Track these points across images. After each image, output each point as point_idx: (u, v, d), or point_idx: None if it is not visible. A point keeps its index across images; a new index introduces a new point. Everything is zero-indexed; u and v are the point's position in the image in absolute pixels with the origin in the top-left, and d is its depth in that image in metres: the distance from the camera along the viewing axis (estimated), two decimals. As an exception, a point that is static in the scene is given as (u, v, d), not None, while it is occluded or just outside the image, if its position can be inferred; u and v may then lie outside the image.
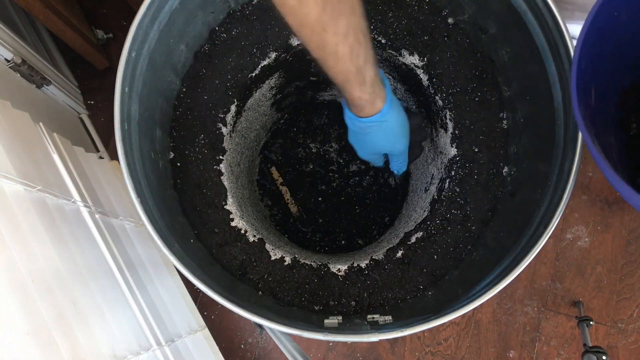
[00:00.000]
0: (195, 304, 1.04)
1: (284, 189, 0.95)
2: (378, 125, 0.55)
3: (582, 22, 0.62)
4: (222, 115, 0.66)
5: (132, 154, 0.54)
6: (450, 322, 1.15)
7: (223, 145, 0.67)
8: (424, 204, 0.74)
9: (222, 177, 0.65)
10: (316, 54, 0.46)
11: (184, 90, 0.66)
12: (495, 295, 0.52)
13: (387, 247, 0.67)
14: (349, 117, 0.56)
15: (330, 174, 0.96)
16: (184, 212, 0.63)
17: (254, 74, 0.68)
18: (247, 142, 0.82)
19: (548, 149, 0.55)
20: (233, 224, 0.64)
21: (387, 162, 0.66)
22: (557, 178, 0.53)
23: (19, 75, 0.85)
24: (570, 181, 0.50)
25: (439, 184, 0.71)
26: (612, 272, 1.17)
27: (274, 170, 0.96)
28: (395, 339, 1.15)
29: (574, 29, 0.63)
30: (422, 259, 0.63)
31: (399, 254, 0.64)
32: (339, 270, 0.64)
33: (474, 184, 0.64)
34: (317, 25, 0.42)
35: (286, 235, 0.92)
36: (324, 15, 0.41)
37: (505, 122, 0.64)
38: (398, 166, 0.65)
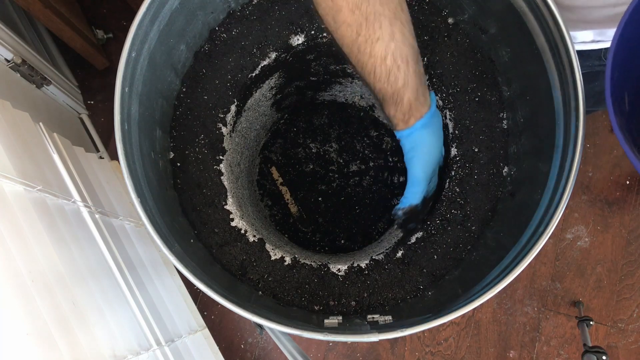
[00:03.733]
0: (195, 304, 1.04)
1: (284, 189, 0.96)
2: (407, 139, 0.53)
3: (584, 29, 0.62)
4: (222, 115, 0.66)
5: (132, 154, 0.54)
6: (450, 322, 1.15)
7: (223, 145, 0.67)
8: (424, 204, 0.74)
9: (222, 177, 0.65)
10: (357, 70, 0.48)
11: (184, 90, 0.66)
12: (495, 295, 0.52)
13: (387, 247, 0.67)
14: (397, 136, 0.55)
15: (330, 174, 0.96)
16: (184, 212, 0.63)
17: (254, 74, 0.68)
18: (247, 142, 0.82)
19: (548, 149, 0.55)
20: (233, 224, 0.64)
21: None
22: (557, 178, 0.53)
23: (19, 75, 0.85)
24: (570, 181, 0.50)
25: (438, 184, 0.71)
26: (612, 272, 1.17)
27: (274, 170, 0.96)
28: (395, 339, 1.15)
29: (579, 35, 0.63)
30: (422, 259, 0.63)
31: (399, 254, 0.64)
32: (339, 270, 0.64)
33: (474, 184, 0.64)
34: (354, 49, 0.45)
35: (286, 235, 0.92)
36: (357, 40, 0.44)
37: (505, 122, 0.64)
38: (404, 196, 0.58)
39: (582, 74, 0.51)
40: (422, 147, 0.53)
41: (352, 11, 0.43)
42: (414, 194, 0.57)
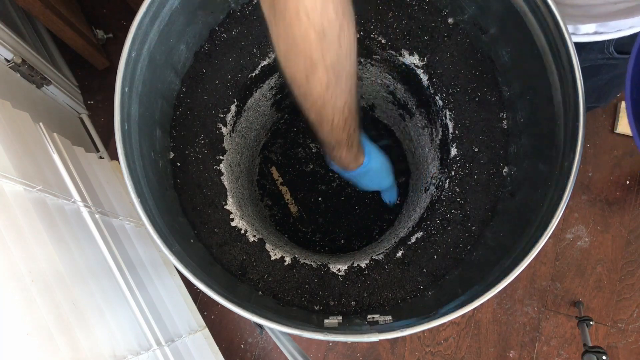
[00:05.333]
0: (195, 304, 1.04)
1: (284, 189, 0.95)
2: (363, 174, 0.67)
3: (586, 23, 0.62)
4: (222, 115, 0.66)
5: (132, 154, 0.54)
6: (450, 322, 1.15)
7: (223, 145, 0.67)
8: (424, 204, 0.74)
9: (222, 177, 0.65)
10: (313, 120, 0.52)
11: (184, 90, 0.66)
12: (495, 295, 0.52)
13: (387, 247, 0.67)
14: (336, 169, 0.67)
15: (330, 174, 0.96)
16: (184, 212, 0.63)
17: (254, 74, 0.68)
18: (247, 142, 0.82)
19: (548, 149, 0.55)
20: (233, 224, 0.64)
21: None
22: (557, 178, 0.53)
23: (19, 75, 0.85)
24: (570, 181, 0.50)
25: (438, 184, 0.71)
26: (612, 272, 1.17)
27: (274, 170, 0.96)
28: (395, 339, 1.15)
29: (581, 27, 0.63)
30: (422, 259, 0.63)
31: (399, 254, 0.64)
32: (339, 270, 0.64)
33: (474, 184, 0.64)
34: (319, 100, 0.48)
35: (286, 235, 0.92)
36: (326, 94, 0.47)
37: (505, 122, 0.64)
38: (388, 198, 0.81)
39: (584, 67, 0.51)
40: (377, 169, 0.69)
41: (327, 70, 0.45)
42: (392, 195, 0.82)
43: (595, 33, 0.63)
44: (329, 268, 0.64)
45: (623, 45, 0.65)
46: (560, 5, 0.53)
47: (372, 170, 0.67)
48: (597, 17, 0.60)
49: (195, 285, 0.48)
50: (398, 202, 0.90)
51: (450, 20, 0.65)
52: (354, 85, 0.49)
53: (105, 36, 1.22)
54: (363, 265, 0.64)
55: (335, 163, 0.64)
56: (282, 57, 0.46)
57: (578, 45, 0.65)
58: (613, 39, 0.64)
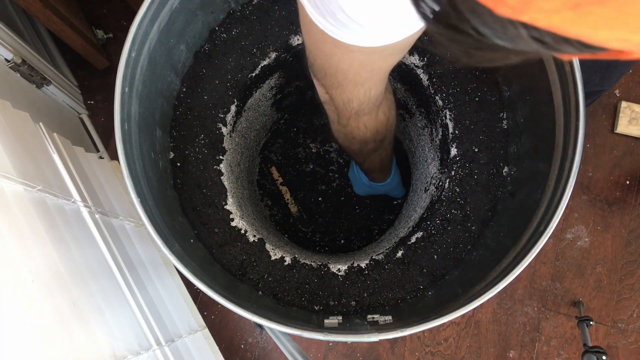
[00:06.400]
0: (195, 304, 1.04)
1: (284, 189, 0.95)
2: (385, 187, 0.82)
3: None
4: (222, 115, 0.66)
5: (132, 154, 0.54)
6: (450, 322, 1.15)
7: (223, 145, 0.67)
8: (424, 204, 0.74)
9: (222, 177, 0.65)
10: (350, 154, 0.67)
11: (184, 90, 0.66)
12: (495, 295, 0.52)
13: (387, 247, 0.67)
14: (364, 181, 0.81)
15: (330, 174, 0.96)
16: (184, 212, 0.63)
17: (254, 74, 0.68)
18: (247, 142, 0.82)
19: (548, 149, 0.55)
20: (233, 224, 0.64)
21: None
22: (557, 178, 0.53)
23: (19, 75, 0.85)
24: (570, 181, 0.50)
25: (438, 184, 0.71)
26: (612, 272, 1.17)
27: (274, 170, 0.96)
28: (395, 339, 1.15)
29: None
30: (422, 259, 0.63)
31: (399, 254, 0.64)
32: (339, 270, 0.64)
33: (474, 184, 0.64)
34: (360, 155, 0.64)
35: (286, 235, 0.92)
36: (373, 154, 0.63)
37: (505, 122, 0.64)
38: (397, 194, 0.91)
39: None
40: (396, 184, 0.84)
41: (375, 141, 0.57)
42: (401, 193, 0.92)
43: None
44: (329, 268, 0.64)
45: None
46: None
47: (392, 183, 0.81)
48: None
49: (195, 285, 0.48)
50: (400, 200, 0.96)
51: (450, 20, 0.65)
52: (393, 137, 0.63)
53: (105, 36, 1.22)
54: (363, 265, 0.64)
55: (367, 175, 0.80)
56: (340, 142, 0.60)
57: None
58: None
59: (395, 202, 0.97)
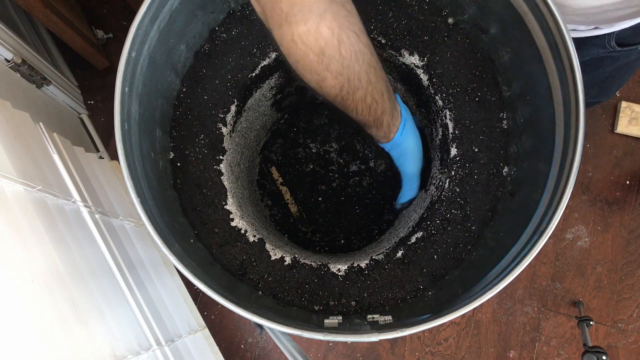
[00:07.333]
0: (195, 304, 1.04)
1: (284, 189, 0.95)
2: (393, 149, 0.65)
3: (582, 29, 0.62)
4: (222, 115, 0.66)
5: (132, 154, 0.54)
6: (450, 322, 1.15)
7: (223, 145, 0.67)
8: (424, 204, 0.74)
9: (222, 177, 0.65)
10: (339, 107, 0.54)
11: (184, 90, 0.66)
12: (495, 295, 0.52)
13: (387, 247, 0.67)
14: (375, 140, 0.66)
15: (330, 174, 0.96)
16: (184, 212, 0.63)
17: (254, 74, 0.68)
18: (247, 142, 0.82)
19: (548, 149, 0.55)
20: (233, 224, 0.64)
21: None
22: (557, 178, 0.53)
23: (19, 75, 0.85)
24: (570, 181, 0.50)
25: (438, 184, 0.71)
26: (612, 272, 1.17)
27: (274, 170, 0.96)
28: (395, 339, 1.15)
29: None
30: (422, 259, 0.63)
31: (399, 254, 0.64)
32: (339, 270, 0.64)
33: (474, 184, 0.64)
34: (337, 98, 0.51)
35: (286, 235, 0.92)
36: (341, 94, 0.50)
37: (505, 122, 0.64)
38: (403, 192, 0.71)
39: (585, 61, 0.51)
40: (406, 150, 0.65)
41: (336, 77, 0.47)
42: (411, 189, 0.70)
43: (596, 28, 0.63)
44: (329, 268, 0.64)
45: (624, 37, 0.64)
46: (562, 7, 0.53)
47: (401, 147, 0.65)
48: (599, 22, 0.60)
49: (195, 285, 0.48)
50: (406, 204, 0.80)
51: (450, 20, 0.65)
52: (374, 74, 0.50)
53: (105, 36, 1.22)
54: (363, 265, 0.64)
55: (370, 135, 0.64)
56: (293, 68, 0.49)
57: (579, 41, 0.65)
58: (614, 32, 0.63)
59: (386, 208, 0.95)
